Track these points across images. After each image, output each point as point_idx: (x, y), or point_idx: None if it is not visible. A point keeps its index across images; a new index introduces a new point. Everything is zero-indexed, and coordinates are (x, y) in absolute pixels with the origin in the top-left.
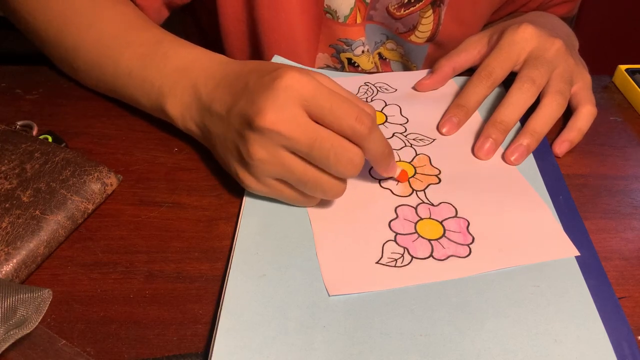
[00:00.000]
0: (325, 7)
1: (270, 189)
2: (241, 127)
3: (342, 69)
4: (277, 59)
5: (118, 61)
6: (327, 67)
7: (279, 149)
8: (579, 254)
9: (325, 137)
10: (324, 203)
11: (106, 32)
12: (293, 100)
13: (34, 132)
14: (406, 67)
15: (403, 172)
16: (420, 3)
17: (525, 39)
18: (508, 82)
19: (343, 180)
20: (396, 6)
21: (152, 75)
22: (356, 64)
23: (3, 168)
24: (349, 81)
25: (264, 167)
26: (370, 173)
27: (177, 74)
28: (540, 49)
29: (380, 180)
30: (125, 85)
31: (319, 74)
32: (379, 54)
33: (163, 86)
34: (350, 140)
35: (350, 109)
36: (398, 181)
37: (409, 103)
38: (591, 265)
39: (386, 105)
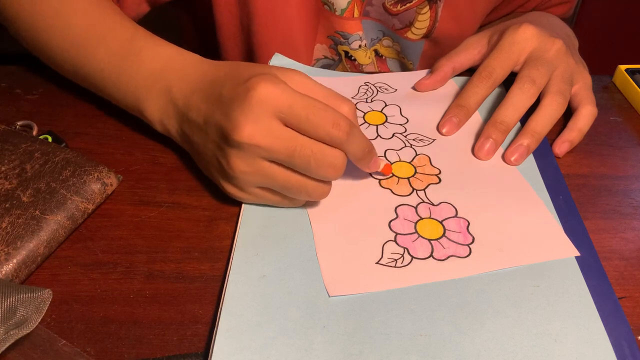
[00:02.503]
0: None
1: (254, 196)
2: (220, 141)
3: (340, 62)
4: (277, 57)
5: (91, 61)
6: (325, 57)
7: (259, 161)
8: (579, 254)
9: (304, 144)
10: (323, 203)
11: (75, 25)
12: (268, 112)
13: (34, 132)
14: (402, 64)
15: (387, 165)
16: None
17: (526, 39)
18: (508, 82)
19: (327, 182)
20: (392, 2)
21: (126, 77)
22: (353, 58)
23: (3, 168)
24: (349, 81)
25: (246, 178)
26: (370, 174)
27: (151, 77)
28: (541, 49)
29: (380, 180)
30: (100, 84)
31: (296, 73)
32: (376, 50)
33: (138, 89)
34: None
35: (326, 115)
36: (384, 174)
37: (409, 103)
38: (591, 265)
39: (386, 105)
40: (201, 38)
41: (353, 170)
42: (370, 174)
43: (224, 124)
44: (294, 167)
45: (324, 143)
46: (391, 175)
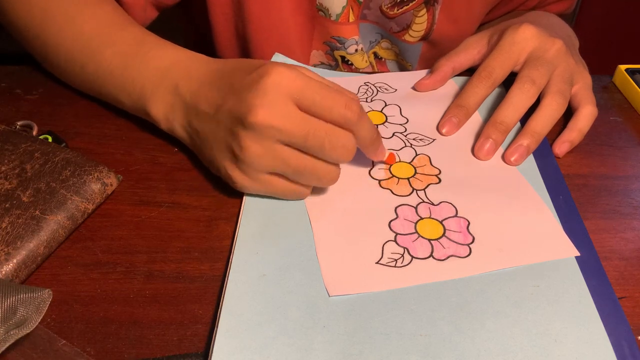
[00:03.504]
0: (318, 4)
1: (262, 184)
2: (233, 125)
3: (336, 67)
4: (277, 57)
5: (99, 60)
6: (322, 64)
7: (273, 143)
8: (579, 254)
9: (318, 126)
10: (324, 203)
11: (87, 30)
12: (283, 94)
13: (34, 132)
14: (401, 66)
15: (391, 154)
16: (413, 2)
17: (526, 39)
18: (508, 82)
19: (337, 165)
20: (389, 5)
21: (133, 75)
22: (350, 62)
23: (3, 168)
24: (349, 81)
25: (259, 162)
26: (370, 174)
27: (158, 75)
28: (541, 49)
29: (380, 181)
30: (106, 85)
31: (303, 68)
32: (375, 53)
33: (145, 87)
34: (341, 128)
35: (339, 97)
36: (387, 164)
37: (409, 103)
38: (591, 265)
39: (386, 105)
40: (201, 46)
41: (353, 171)
42: (371, 176)
43: (238, 108)
44: (308, 150)
45: (335, 126)
46: (395, 161)
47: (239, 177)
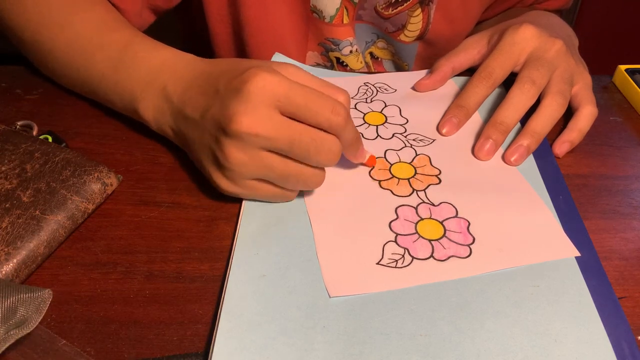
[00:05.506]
0: (312, 6)
1: (246, 189)
2: (216, 132)
3: (332, 68)
4: (277, 56)
5: (90, 63)
6: (318, 65)
7: (257, 151)
8: (579, 254)
9: (303, 131)
10: (324, 204)
11: (79, 34)
12: (266, 101)
13: (34, 132)
14: (398, 66)
15: (371, 157)
16: (408, 2)
17: (526, 39)
18: (508, 82)
19: (322, 169)
20: (384, 6)
21: (124, 78)
22: (344, 64)
23: (3, 168)
24: (349, 81)
25: (243, 170)
26: (370, 174)
27: (147, 77)
28: (541, 49)
29: (380, 181)
30: (99, 88)
31: (291, 65)
32: (371, 53)
33: (134, 90)
34: (325, 131)
35: (325, 102)
36: (368, 166)
37: (409, 103)
38: (591, 265)
39: (386, 105)
40: (199, 47)
41: (353, 172)
42: (371, 177)
43: (222, 115)
44: (293, 155)
45: (320, 130)
46: (375, 164)
47: (223, 183)
